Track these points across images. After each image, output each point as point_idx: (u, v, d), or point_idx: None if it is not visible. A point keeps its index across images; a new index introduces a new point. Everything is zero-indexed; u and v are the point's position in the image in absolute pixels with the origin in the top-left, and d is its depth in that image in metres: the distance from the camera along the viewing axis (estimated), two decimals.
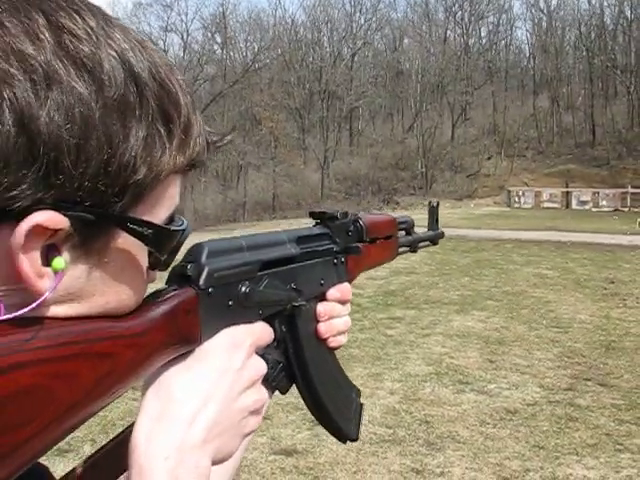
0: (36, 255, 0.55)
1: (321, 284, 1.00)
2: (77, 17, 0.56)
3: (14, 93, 0.52)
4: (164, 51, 44.39)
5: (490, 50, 54.12)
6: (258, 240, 0.89)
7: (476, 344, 7.31)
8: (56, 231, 0.55)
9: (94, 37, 0.56)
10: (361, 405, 1.06)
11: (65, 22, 0.55)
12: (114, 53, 0.57)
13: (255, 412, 0.77)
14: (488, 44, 54.25)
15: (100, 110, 0.56)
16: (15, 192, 0.53)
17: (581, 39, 51.12)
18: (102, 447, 0.83)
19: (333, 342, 1.00)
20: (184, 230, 0.68)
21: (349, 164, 46.40)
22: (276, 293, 0.88)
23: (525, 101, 50.70)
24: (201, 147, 0.68)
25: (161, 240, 0.65)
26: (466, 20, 53.37)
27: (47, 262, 0.56)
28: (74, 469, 0.81)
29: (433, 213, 1.43)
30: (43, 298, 0.56)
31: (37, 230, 0.54)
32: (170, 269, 0.75)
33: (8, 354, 0.53)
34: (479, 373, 6.30)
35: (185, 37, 49.32)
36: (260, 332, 0.81)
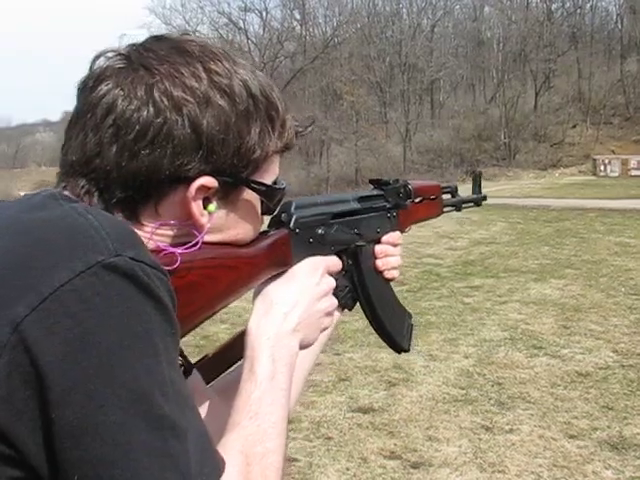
0: (199, 202, 0.84)
1: (377, 231, 1.22)
2: (219, 62, 0.85)
3: (189, 111, 0.82)
4: (244, 30, 48.20)
5: (574, 14, 50.80)
6: (330, 198, 1.13)
7: (552, 311, 7.24)
8: (210, 188, 0.84)
9: (229, 73, 0.86)
10: (411, 325, 1.30)
11: (213, 66, 0.85)
12: (240, 82, 0.86)
13: (328, 314, 1.04)
14: (572, 8, 51.03)
15: (234, 117, 0.85)
16: (189, 166, 0.82)
17: None
18: (225, 342, 1.14)
19: (388, 274, 1.23)
20: (284, 188, 0.95)
21: (431, 136, 45.57)
22: (343, 235, 1.12)
23: (612, 66, 47.40)
24: (292, 135, 0.94)
25: (270, 194, 0.92)
26: None
27: (204, 207, 0.85)
28: (206, 355, 1.13)
29: (476, 180, 1.67)
30: (207, 229, 0.86)
31: (200, 188, 0.84)
32: (270, 217, 1.01)
33: (183, 261, 0.82)
34: (553, 338, 6.28)
35: (264, 15, 49.29)
36: (332, 261, 1.07)
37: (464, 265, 10.17)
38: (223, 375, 1.11)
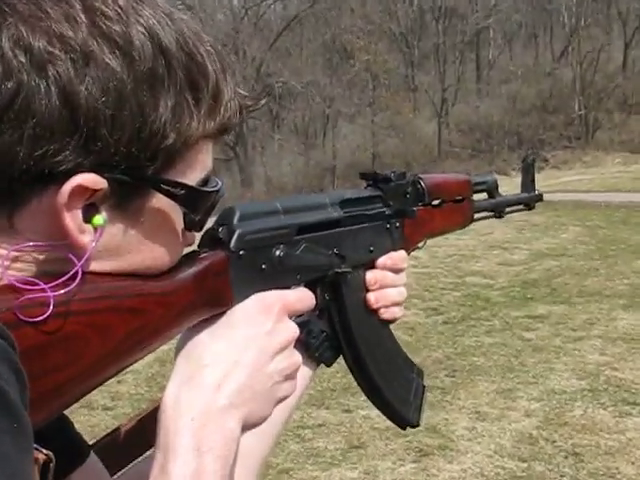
0: (78, 212, 0.78)
1: (370, 251, 1.21)
2: None
3: (57, 71, 0.75)
4: None
5: None
6: (296, 202, 1.10)
7: None
8: (95, 191, 0.79)
9: (124, 16, 0.80)
10: (423, 387, 1.27)
11: (98, 5, 0.79)
12: (143, 29, 0.81)
13: (288, 377, 0.99)
14: None
15: (131, 83, 0.79)
16: (59, 157, 0.76)
17: None
18: (142, 411, 1.12)
19: (386, 313, 1.22)
20: (217, 191, 0.92)
21: (476, 108, 45.78)
22: (315, 258, 1.10)
23: None
24: (232, 112, 0.91)
25: (194, 200, 0.89)
26: None
27: (88, 220, 0.79)
28: (119, 427, 1.12)
29: (528, 171, 1.63)
30: (89, 252, 0.79)
31: (79, 190, 0.77)
32: (203, 233, 0.98)
33: (55, 304, 0.76)
34: None
35: None
36: (296, 297, 1.03)
37: (523, 286, 10.28)
38: (135, 463, 1.10)
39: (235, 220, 0.99)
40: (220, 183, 0.94)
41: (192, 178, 0.89)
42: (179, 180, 0.86)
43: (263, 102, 1.03)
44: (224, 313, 0.97)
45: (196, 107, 0.86)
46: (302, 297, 1.05)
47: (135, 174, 0.82)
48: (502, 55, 51.35)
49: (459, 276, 10.87)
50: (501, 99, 45.98)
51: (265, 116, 46.51)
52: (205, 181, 0.91)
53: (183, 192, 0.86)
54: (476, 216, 1.48)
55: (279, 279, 1.03)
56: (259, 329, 0.97)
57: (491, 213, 1.53)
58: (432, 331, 8.46)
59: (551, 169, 37.13)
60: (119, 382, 6.78)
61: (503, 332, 8.16)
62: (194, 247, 0.99)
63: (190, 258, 0.95)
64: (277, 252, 1.04)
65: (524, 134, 43.94)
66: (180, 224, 0.91)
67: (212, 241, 0.99)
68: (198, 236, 1.00)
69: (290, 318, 1.03)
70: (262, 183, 42.34)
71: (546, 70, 47.78)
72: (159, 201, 0.86)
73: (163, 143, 0.83)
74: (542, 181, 21.90)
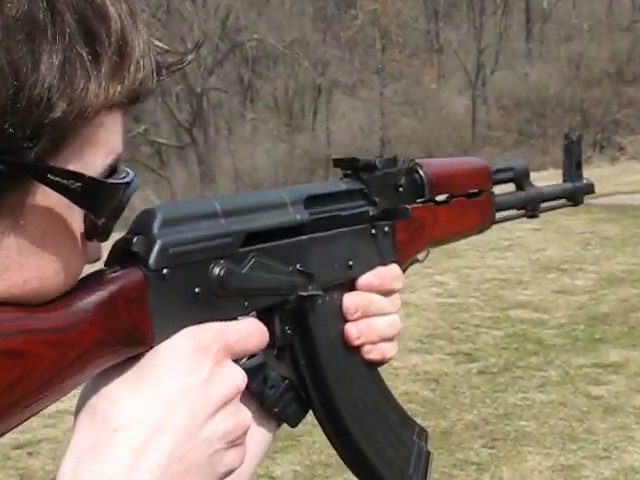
0: None
1: (349, 266, 1.24)
2: None
3: None
4: None
5: None
6: (242, 201, 1.12)
7: None
8: None
9: None
10: (428, 453, 1.28)
11: None
12: None
13: (233, 443, 1.00)
14: None
15: None
16: None
17: None
18: None
19: (372, 352, 1.24)
20: (127, 184, 0.91)
21: (524, 77, 45.71)
22: (269, 278, 1.11)
23: None
24: (147, 72, 0.91)
25: (95, 196, 0.88)
26: None
27: None
28: None
29: (571, 152, 1.65)
30: None
31: None
32: (112, 245, 0.98)
33: None
34: None
35: None
36: (242, 331, 1.05)
37: (590, 323, 10.30)
38: None
39: (156, 226, 0.99)
40: (131, 174, 0.94)
41: (92, 165, 0.89)
42: (72, 168, 0.86)
43: (190, 58, 1.02)
44: (142, 355, 0.96)
45: (94, 65, 0.85)
46: (251, 331, 1.06)
47: (9, 160, 0.81)
48: (562, 3, 51.02)
49: (501, 309, 10.93)
50: (559, 64, 45.72)
51: (234, 86, 46.57)
52: (112, 169, 0.91)
53: (79, 185, 0.85)
54: (499, 215, 1.51)
55: (219, 308, 1.04)
56: (191, 378, 0.97)
57: (521, 211, 1.56)
58: (464, 384, 8.50)
59: (629, 160, 36.88)
60: (30, 454, 6.74)
61: (562, 386, 8.15)
62: (100, 264, 0.98)
63: (93, 279, 0.94)
64: (216, 270, 1.04)
65: (591, 112, 43.80)
66: (78, 228, 0.90)
67: (124, 256, 0.98)
68: (106, 248, 0.98)
69: (236, 361, 1.04)
70: (229, 179, 42.60)
71: (622, 24, 47.46)
72: (47, 197, 0.86)
73: (48, 116, 0.82)
74: (616, 177, 22.58)
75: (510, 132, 44.40)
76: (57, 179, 0.83)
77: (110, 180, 0.89)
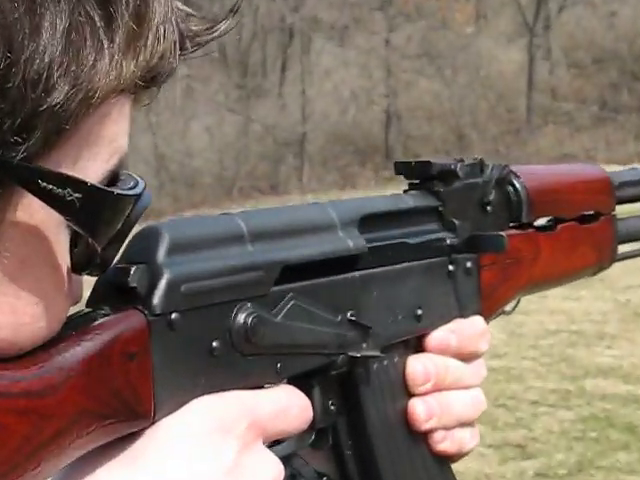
0: None
1: (417, 316, 1.26)
2: None
3: None
4: None
5: None
6: (275, 221, 1.15)
7: None
8: None
9: None
10: None
11: None
12: None
13: None
14: None
15: None
16: None
17: None
18: None
19: (445, 442, 1.25)
20: (138, 196, 0.95)
21: (609, 17, 42.41)
22: (311, 330, 1.13)
23: None
24: (169, 44, 0.94)
25: (96, 212, 0.90)
26: None
27: None
28: None
29: None
30: None
31: None
32: (97, 278, 1.01)
33: None
34: None
35: None
36: (277, 406, 1.09)
37: None
38: None
39: (162, 252, 1.01)
40: (141, 183, 0.96)
41: (91, 169, 0.90)
42: (70, 173, 0.87)
43: (226, 25, 0.97)
44: (140, 434, 0.99)
45: (107, 33, 0.86)
46: (291, 406, 1.11)
47: None
48: None
49: (571, 378, 10.73)
50: None
51: None
52: (114, 176, 0.94)
53: (78, 196, 0.86)
54: (622, 250, 1.59)
55: (243, 370, 1.07)
56: (211, 467, 1.00)
57: None
58: None
59: None
60: None
61: None
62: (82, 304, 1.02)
63: (78, 326, 0.96)
64: (241, 317, 1.05)
65: None
66: (66, 259, 0.93)
67: (117, 293, 1.00)
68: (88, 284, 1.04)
69: (266, 445, 1.09)
70: (148, 168, 39.89)
71: None
72: (31, 212, 0.87)
73: (47, 100, 0.82)
74: None
75: (587, 103, 41.09)
76: (50, 187, 0.83)
77: (118, 191, 0.91)
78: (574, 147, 30.92)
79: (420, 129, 38.99)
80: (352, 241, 1.13)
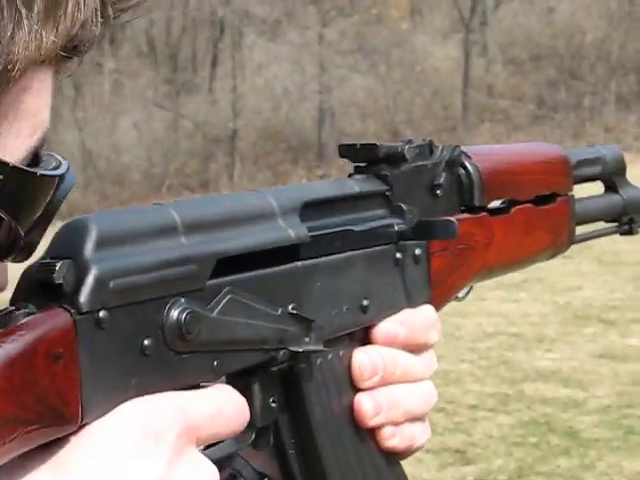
0: None
1: (363, 307, 1.27)
2: None
3: None
4: None
5: None
6: (209, 211, 1.15)
7: None
8: None
9: None
10: None
11: None
12: None
13: None
14: None
15: None
16: None
17: None
18: None
19: (394, 438, 1.26)
20: (61, 176, 0.94)
21: (547, 14, 43.16)
22: (249, 325, 1.13)
23: None
24: (90, 11, 0.93)
25: (18, 194, 0.90)
26: None
27: None
28: None
29: None
30: None
31: None
32: (22, 273, 1.00)
33: None
34: None
35: None
36: (211, 408, 1.07)
37: None
38: None
39: (89, 246, 0.98)
40: (65, 163, 0.97)
41: (11, 147, 0.89)
42: None
43: None
44: (66, 441, 0.96)
45: (25, 2, 0.85)
46: (226, 407, 1.08)
47: None
48: None
49: (510, 381, 10.66)
50: None
51: None
52: (35, 156, 0.93)
53: None
54: (581, 231, 1.59)
55: (177, 369, 1.06)
56: (139, 474, 0.97)
57: (613, 224, 1.64)
58: None
59: None
60: None
61: None
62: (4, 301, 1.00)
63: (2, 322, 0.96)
64: (174, 313, 1.04)
65: None
66: None
67: (41, 289, 0.97)
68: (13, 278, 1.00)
69: (199, 448, 1.07)
70: (74, 165, 36.27)
71: None
72: None
73: None
74: None
75: (524, 101, 41.79)
76: None
77: (41, 171, 0.92)
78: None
79: (354, 126, 39.06)
80: (293, 230, 1.13)
